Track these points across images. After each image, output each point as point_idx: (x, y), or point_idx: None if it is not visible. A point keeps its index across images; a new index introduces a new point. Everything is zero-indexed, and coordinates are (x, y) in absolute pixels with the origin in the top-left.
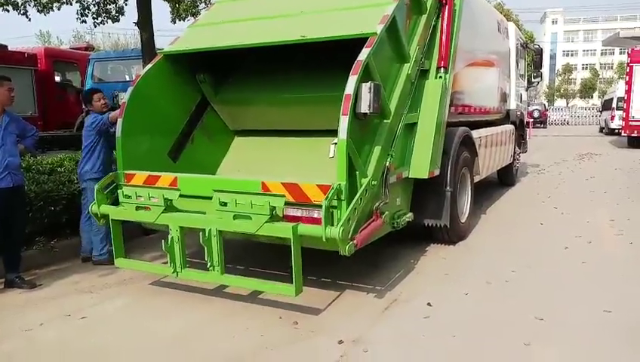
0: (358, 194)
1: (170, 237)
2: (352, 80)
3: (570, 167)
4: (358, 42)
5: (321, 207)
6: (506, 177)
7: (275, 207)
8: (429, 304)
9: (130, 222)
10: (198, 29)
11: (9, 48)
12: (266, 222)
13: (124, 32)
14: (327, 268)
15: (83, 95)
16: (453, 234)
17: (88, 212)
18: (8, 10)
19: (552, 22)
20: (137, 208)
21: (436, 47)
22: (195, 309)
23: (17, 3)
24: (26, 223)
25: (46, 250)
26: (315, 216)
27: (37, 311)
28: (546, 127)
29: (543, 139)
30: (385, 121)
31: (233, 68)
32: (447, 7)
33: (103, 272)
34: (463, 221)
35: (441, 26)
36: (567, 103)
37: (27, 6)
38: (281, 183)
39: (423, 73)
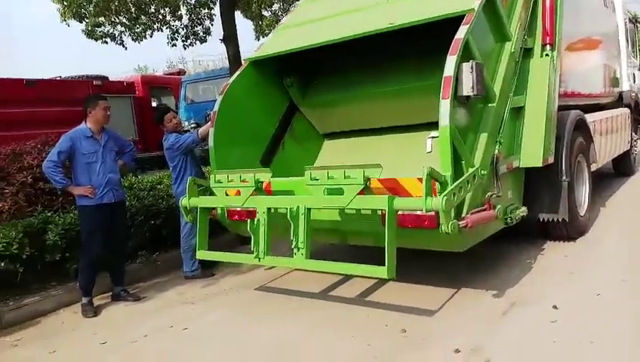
0: (465, 176)
1: (257, 218)
2: (452, 60)
3: None
4: (451, 25)
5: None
6: (622, 166)
7: (369, 178)
8: (554, 307)
9: (227, 231)
10: (282, 32)
11: (110, 79)
12: (358, 194)
13: (213, 58)
14: (435, 270)
15: (155, 116)
16: (572, 230)
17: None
18: (107, 42)
19: None
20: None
21: (539, 23)
22: (298, 316)
23: (114, 35)
24: (129, 237)
25: (149, 263)
26: (419, 213)
27: (141, 323)
28: None
29: None
30: (490, 104)
31: (320, 69)
32: None
33: (204, 283)
34: (582, 214)
35: None
36: None
37: (123, 36)
38: (379, 180)
39: (527, 52)
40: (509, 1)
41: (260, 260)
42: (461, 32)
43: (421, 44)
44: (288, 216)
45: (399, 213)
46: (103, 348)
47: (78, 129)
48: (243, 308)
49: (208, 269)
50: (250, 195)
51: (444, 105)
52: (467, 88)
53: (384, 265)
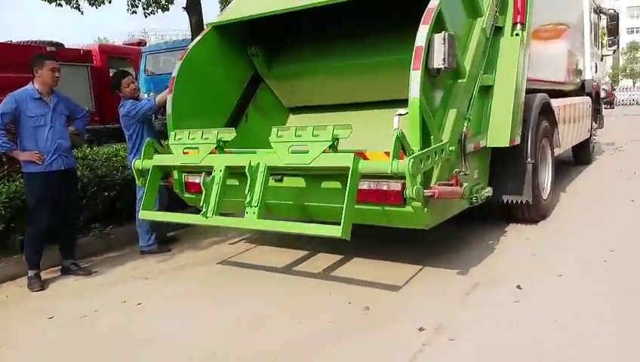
0: (433, 146)
1: (212, 175)
2: (424, 30)
3: None
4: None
5: (390, 177)
6: (582, 155)
7: (337, 139)
8: (518, 287)
9: (187, 206)
10: None
11: (65, 46)
12: (323, 152)
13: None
14: (398, 248)
15: (111, 80)
16: (534, 213)
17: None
18: (61, 5)
19: None
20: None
21: (511, 1)
22: (258, 293)
23: None
24: (80, 209)
25: (102, 236)
26: (385, 188)
27: (92, 297)
28: (613, 108)
29: (614, 119)
30: (460, 80)
31: (287, 40)
32: None
33: (160, 258)
34: (544, 198)
35: None
36: (634, 83)
37: (79, 0)
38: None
39: (498, 30)
40: None
41: (207, 218)
42: (434, 1)
43: (393, 17)
44: (246, 171)
45: (364, 187)
46: (50, 322)
47: (24, 89)
48: (200, 284)
49: (165, 244)
50: (210, 153)
51: (415, 77)
52: (438, 60)
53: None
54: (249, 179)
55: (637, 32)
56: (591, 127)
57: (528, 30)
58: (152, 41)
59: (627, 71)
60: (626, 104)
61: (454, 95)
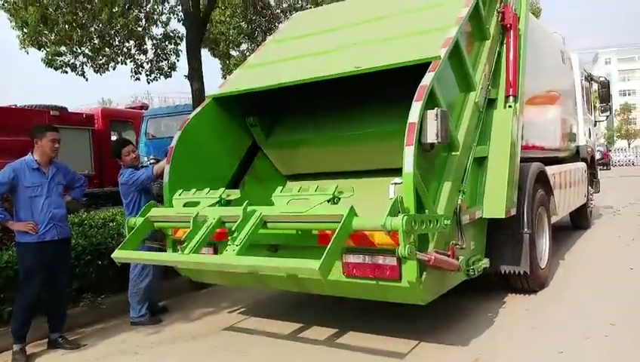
0: (428, 214)
1: (204, 219)
2: (417, 106)
3: None
4: (417, 72)
5: (387, 251)
6: (579, 219)
7: (339, 198)
8: None
9: (180, 276)
10: (247, 70)
11: (69, 110)
12: (321, 203)
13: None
14: (395, 321)
15: (112, 148)
16: (533, 282)
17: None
18: (67, 72)
19: (606, 62)
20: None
21: (502, 75)
22: None
23: (75, 65)
24: (72, 279)
25: (93, 307)
26: (380, 262)
27: None
28: (609, 169)
29: (610, 181)
30: (453, 153)
31: (284, 110)
32: (511, 31)
33: (149, 331)
34: (542, 267)
35: (507, 51)
36: (629, 144)
37: (84, 67)
38: None
39: (491, 103)
40: (474, 51)
41: (182, 252)
42: (427, 79)
43: (387, 89)
44: (240, 213)
45: (359, 261)
46: None
47: (23, 160)
48: (193, 359)
49: (156, 316)
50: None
51: (408, 152)
52: (432, 135)
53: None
54: (240, 219)
55: (629, 94)
56: (587, 192)
57: (521, 102)
58: (155, 103)
59: (622, 132)
60: (622, 165)
61: (448, 168)
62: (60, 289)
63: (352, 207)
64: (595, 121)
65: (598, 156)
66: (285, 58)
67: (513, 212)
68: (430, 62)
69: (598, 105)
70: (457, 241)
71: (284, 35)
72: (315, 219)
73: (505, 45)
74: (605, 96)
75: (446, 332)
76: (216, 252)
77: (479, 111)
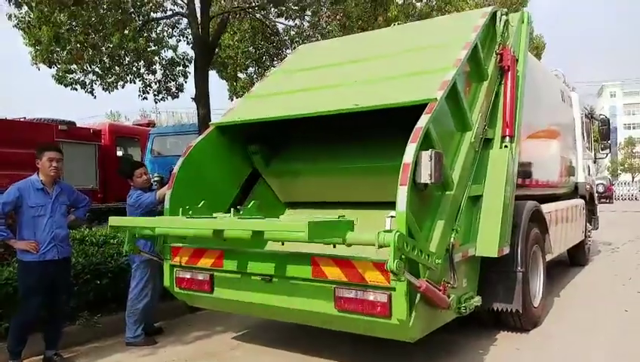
0: (419, 243)
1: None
2: (412, 148)
3: None
4: (415, 111)
5: (378, 288)
6: (577, 256)
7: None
8: None
9: (174, 298)
10: (251, 100)
11: (77, 125)
12: None
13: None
14: (385, 357)
15: (124, 169)
16: (525, 321)
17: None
18: (76, 90)
19: (611, 95)
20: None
21: (499, 115)
22: None
23: (85, 82)
24: (70, 298)
25: (89, 325)
26: (371, 298)
27: None
28: (612, 203)
29: (612, 215)
30: (447, 192)
31: (286, 139)
32: (509, 73)
33: (143, 353)
34: (536, 305)
35: (505, 92)
36: (633, 178)
37: (93, 85)
38: (332, 260)
39: (487, 143)
40: (472, 92)
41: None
42: (422, 121)
43: (386, 126)
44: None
45: (350, 296)
46: None
47: (28, 179)
48: None
49: (151, 337)
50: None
51: (401, 192)
52: (425, 176)
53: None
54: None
55: (634, 128)
56: (585, 229)
57: (517, 142)
58: (163, 118)
59: (625, 165)
60: (625, 198)
61: (442, 206)
62: (58, 308)
63: (351, 221)
64: (595, 158)
65: (601, 189)
66: (288, 91)
67: (506, 251)
68: (427, 104)
69: (598, 142)
70: (449, 280)
71: (288, 67)
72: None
73: (503, 86)
74: (605, 133)
75: None
76: (212, 280)
77: (475, 150)
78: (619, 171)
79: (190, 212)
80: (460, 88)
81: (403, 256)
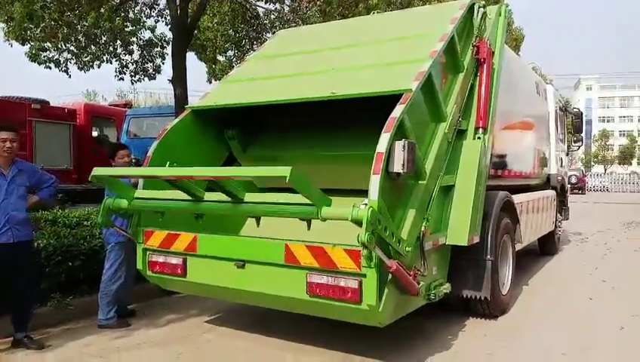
0: (390, 223)
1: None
2: (385, 138)
3: (616, 236)
4: (392, 100)
5: (349, 274)
6: (547, 246)
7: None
8: None
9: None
10: (228, 84)
11: (51, 104)
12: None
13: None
14: (350, 342)
15: (108, 149)
16: (494, 308)
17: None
18: (50, 68)
19: (587, 88)
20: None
21: (474, 107)
22: None
23: (59, 61)
24: (36, 281)
25: (61, 307)
26: (342, 284)
27: None
28: (584, 193)
29: (583, 206)
30: (420, 182)
31: (262, 125)
32: (485, 65)
33: (116, 335)
34: (504, 293)
35: (480, 84)
36: (605, 170)
37: (68, 64)
38: (306, 246)
39: (460, 134)
40: (448, 83)
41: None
42: (397, 111)
43: (362, 114)
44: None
45: (322, 281)
46: None
47: None
48: None
49: (124, 319)
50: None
51: (374, 181)
52: (398, 165)
53: None
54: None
55: (608, 121)
56: (556, 219)
57: (490, 134)
58: (140, 98)
59: (599, 157)
60: (597, 190)
61: (414, 195)
62: (19, 292)
63: (328, 198)
64: (568, 151)
65: (574, 180)
66: (266, 76)
67: (476, 239)
68: (402, 94)
69: (571, 135)
70: (419, 267)
71: (267, 53)
72: (291, 201)
73: (478, 78)
74: (578, 126)
75: (406, 353)
76: (185, 264)
77: (448, 141)
78: (592, 163)
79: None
80: (435, 80)
81: (375, 232)
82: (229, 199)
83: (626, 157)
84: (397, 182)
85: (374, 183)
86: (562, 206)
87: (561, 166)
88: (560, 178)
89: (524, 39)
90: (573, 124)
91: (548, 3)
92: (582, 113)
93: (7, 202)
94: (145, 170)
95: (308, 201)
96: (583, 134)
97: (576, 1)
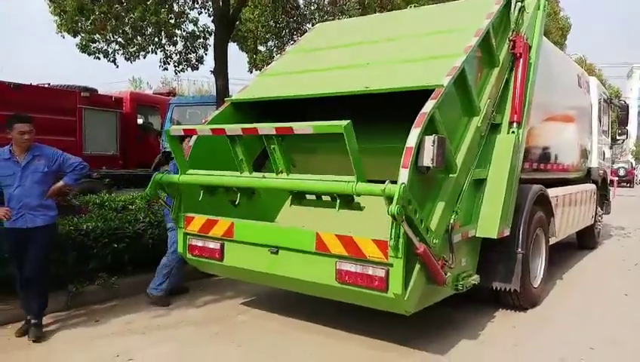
0: (418, 215)
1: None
2: (415, 133)
3: None
4: (426, 93)
5: (376, 263)
6: (586, 239)
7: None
8: None
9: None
10: (266, 78)
11: (99, 92)
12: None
13: (208, 79)
14: (380, 328)
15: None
16: (524, 300)
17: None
18: (99, 58)
19: None
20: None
21: (509, 102)
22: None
23: (108, 52)
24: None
25: (107, 286)
26: (370, 273)
27: (88, 349)
28: (632, 187)
29: (630, 200)
30: (451, 175)
31: (298, 118)
32: (521, 60)
33: (158, 313)
34: (535, 286)
35: (515, 79)
36: None
37: (116, 54)
38: (336, 235)
39: (495, 128)
40: (482, 77)
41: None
42: (427, 107)
43: (397, 107)
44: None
45: (350, 269)
46: None
47: (1, 149)
48: (193, 345)
49: (167, 298)
50: None
51: (402, 174)
52: (427, 160)
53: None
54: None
55: None
56: (596, 213)
57: (524, 128)
58: (184, 85)
59: None
60: None
61: (444, 189)
62: (28, 277)
63: (357, 178)
64: (612, 144)
65: (622, 173)
66: (302, 70)
67: (507, 232)
68: (434, 89)
69: (615, 128)
70: (447, 258)
71: (304, 47)
72: (331, 179)
73: (514, 72)
74: (624, 119)
75: (434, 341)
76: (223, 249)
77: (481, 135)
78: None
79: None
80: (468, 74)
81: (405, 212)
82: (275, 176)
83: None
84: (426, 176)
85: (402, 176)
86: (604, 200)
87: (603, 159)
88: (601, 171)
89: (570, 28)
90: (618, 116)
91: None
92: (628, 105)
93: (21, 189)
94: (213, 127)
95: (344, 179)
96: (632, 126)
97: None
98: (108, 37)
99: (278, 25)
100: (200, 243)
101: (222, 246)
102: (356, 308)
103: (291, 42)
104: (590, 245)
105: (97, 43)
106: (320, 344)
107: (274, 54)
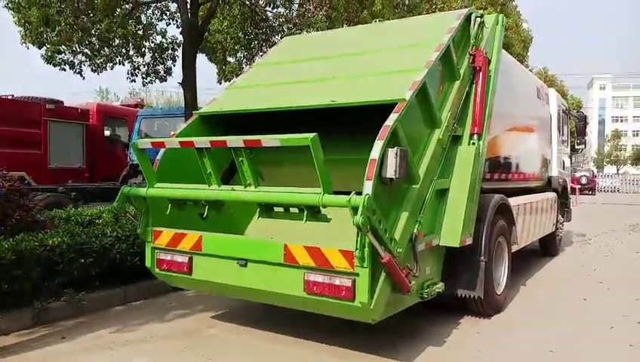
0: (382, 225)
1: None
2: (378, 145)
3: (620, 238)
4: (389, 107)
5: (343, 273)
6: (548, 246)
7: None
8: None
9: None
10: (234, 91)
11: (64, 104)
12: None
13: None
14: (348, 338)
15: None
16: (488, 307)
17: None
18: (65, 70)
19: (600, 87)
20: None
21: (469, 114)
22: None
23: (74, 63)
24: (55, 273)
25: (74, 302)
26: (337, 283)
27: None
28: (594, 194)
29: (591, 207)
30: (414, 186)
31: (265, 131)
32: (481, 73)
33: (127, 328)
34: (499, 293)
35: (475, 92)
36: (618, 170)
37: (82, 66)
38: (304, 247)
39: (456, 139)
40: (443, 91)
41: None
42: (390, 120)
43: (361, 120)
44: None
45: (318, 280)
46: None
47: None
48: (163, 359)
49: None
50: None
51: (367, 186)
52: (390, 171)
53: None
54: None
55: (622, 120)
56: (557, 221)
57: (484, 139)
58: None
59: (611, 157)
60: (608, 191)
61: (407, 199)
62: None
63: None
64: (571, 153)
65: (584, 181)
66: (270, 83)
67: (469, 241)
68: (397, 103)
69: (574, 138)
70: (412, 267)
71: (271, 60)
72: (298, 191)
73: (474, 85)
74: (581, 129)
75: (402, 348)
76: (191, 263)
77: (443, 147)
78: (604, 163)
79: None
80: (429, 88)
81: (369, 222)
82: (243, 188)
83: (638, 157)
84: (390, 187)
85: (367, 188)
86: (564, 208)
87: (564, 168)
88: (561, 180)
89: (532, 40)
90: (577, 127)
91: (561, 3)
92: (585, 116)
93: None
94: (182, 140)
95: (311, 191)
96: (593, 135)
97: (590, 1)
98: (74, 48)
99: (247, 37)
100: (168, 257)
101: (190, 259)
102: (326, 319)
103: (260, 53)
104: (552, 252)
105: (63, 54)
106: (291, 355)
107: (243, 65)
